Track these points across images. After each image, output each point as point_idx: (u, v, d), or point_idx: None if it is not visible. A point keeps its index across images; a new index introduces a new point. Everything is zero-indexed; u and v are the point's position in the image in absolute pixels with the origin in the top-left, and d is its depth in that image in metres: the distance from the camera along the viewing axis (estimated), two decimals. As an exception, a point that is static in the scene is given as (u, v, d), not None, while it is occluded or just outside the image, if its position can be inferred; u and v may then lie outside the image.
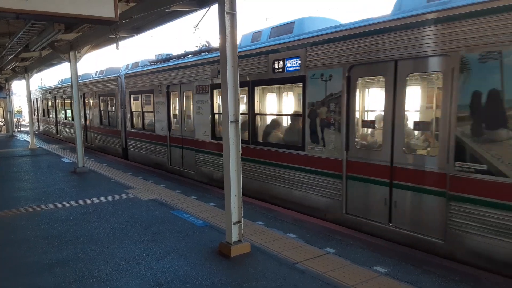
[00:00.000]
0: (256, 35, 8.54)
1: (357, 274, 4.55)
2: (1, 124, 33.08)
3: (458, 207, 4.93)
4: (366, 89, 7.35)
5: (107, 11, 4.56)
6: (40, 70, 20.37)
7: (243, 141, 7.82)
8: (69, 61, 11.46)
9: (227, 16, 4.88)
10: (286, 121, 8.94)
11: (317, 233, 6.01)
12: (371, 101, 7.31)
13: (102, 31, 9.15)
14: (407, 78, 5.53)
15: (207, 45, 11.15)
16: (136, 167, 12.50)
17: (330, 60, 6.45)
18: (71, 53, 11.30)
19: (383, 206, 5.85)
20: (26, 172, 11.82)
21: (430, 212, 5.30)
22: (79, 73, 14.50)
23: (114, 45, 9.49)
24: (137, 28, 9.22)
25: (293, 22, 7.68)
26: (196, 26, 11.18)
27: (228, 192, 5.12)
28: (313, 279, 4.45)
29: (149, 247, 5.45)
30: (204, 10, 6.80)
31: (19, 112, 38.49)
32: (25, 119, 36.31)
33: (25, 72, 18.67)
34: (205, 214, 6.96)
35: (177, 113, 11.28)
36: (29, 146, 18.37)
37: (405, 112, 5.61)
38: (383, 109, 5.83)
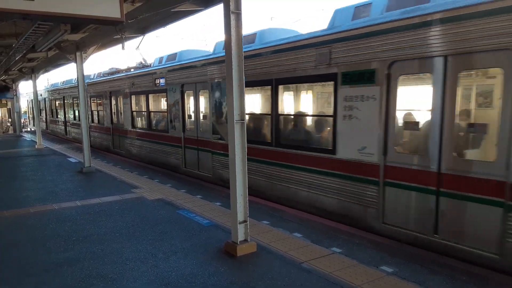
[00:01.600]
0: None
1: (364, 274, 4.53)
2: (9, 124, 33.35)
3: None
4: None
5: (113, 11, 4.57)
6: (47, 71, 20.49)
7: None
8: (76, 62, 11.52)
9: (233, 16, 4.88)
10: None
11: (323, 232, 5.99)
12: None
13: (108, 31, 9.17)
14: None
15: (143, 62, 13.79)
16: (142, 166, 12.54)
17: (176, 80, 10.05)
18: (77, 54, 11.36)
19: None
20: (33, 172, 11.90)
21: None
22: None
23: (120, 45, 9.56)
24: (143, 28, 9.24)
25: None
26: (137, 47, 11.34)
27: (234, 192, 5.13)
28: (319, 278, 4.43)
29: (156, 247, 5.47)
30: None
31: (24, 113, 38.79)
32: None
33: (32, 72, 18.79)
34: (210, 214, 6.97)
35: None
36: (36, 146, 18.51)
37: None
38: None
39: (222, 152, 9.41)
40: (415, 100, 6.08)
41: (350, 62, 6.16)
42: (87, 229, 6.27)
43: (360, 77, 6.03)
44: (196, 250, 5.35)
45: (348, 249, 5.32)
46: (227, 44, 4.95)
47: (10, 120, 33.44)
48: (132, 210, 7.30)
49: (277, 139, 7.82)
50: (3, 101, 32.27)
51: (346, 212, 6.41)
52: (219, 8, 5.16)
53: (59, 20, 6.50)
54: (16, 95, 26.48)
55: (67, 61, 13.69)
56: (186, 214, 6.97)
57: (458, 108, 5.02)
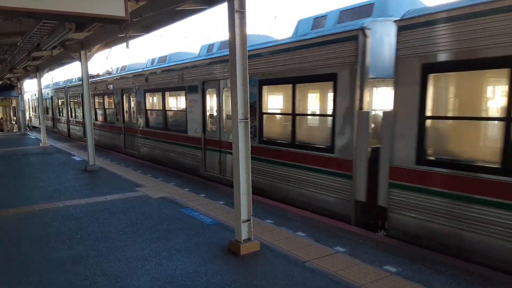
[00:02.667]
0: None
1: (367, 273, 4.52)
2: (13, 122, 33.52)
3: None
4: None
5: (118, 10, 4.58)
6: (51, 69, 20.57)
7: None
8: (80, 60, 11.56)
9: (237, 14, 4.88)
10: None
11: (327, 232, 5.99)
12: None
13: (112, 30, 9.21)
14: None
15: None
16: (146, 165, 12.56)
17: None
18: (82, 52, 11.40)
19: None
20: (37, 169, 11.96)
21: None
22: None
23: (124, 44, 9.57)
24: (147, 27, 9.25)
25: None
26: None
27: (238, 191, 5.13)
28: (322, 277, 4.43)
29: (159, 245, 5.48)
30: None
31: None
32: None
33: (36, 71, 18.89)
34: (214, 212, 6.98)
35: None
36: (40, 144, 18.60)
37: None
38: None
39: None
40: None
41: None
42: (91, 227, 6.29)
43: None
44: (200, 248, 5.36)
45: (352, 248, 5.31)
46: (231, 43, 4.95)
47: (15, 118, 33.62)
48: (136, 208, 7.33)
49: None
50: (8, 99, 32.47)
51: (192, 166, 10.69)
52: (223, 7, 5.15)
53: (64, 19, 6.51)
54: (21, 93, 26.59)
55: (72, 59, 13.73)
56: (189, 213, 6.98)
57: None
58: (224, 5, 5.05)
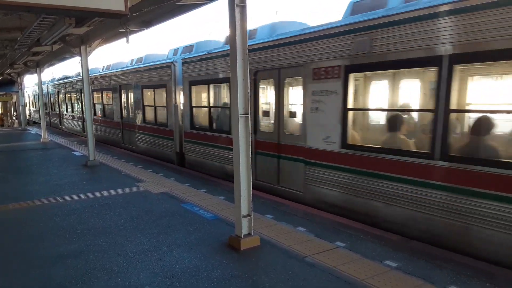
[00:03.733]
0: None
1: (368, 268, 4.52)
2: (14, 118, 33.54)
3: None
4: None
5: (117, 4, 4.55)
6: (51, 64, 20.54)
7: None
8: (80, 55, 11.53)
9: (237, 9, 4.85)
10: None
11: (327, 227, 5.98)
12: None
13: (112, 25, 9.17)
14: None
15: None
16: (146, 160, 12.57)
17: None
18: (82, 47, 11.37)
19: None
20: (38, 165, 11.97)
21: None
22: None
23: (124, 39, 9.53)
24: (147, 22, 9.22)
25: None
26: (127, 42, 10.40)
27: (238, 186, 5.12)
28: (323, 272, 4.43)
29: (160, 240, 5.49)
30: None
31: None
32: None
33: (37, 66, 18.85)
34: (214, 207, 6.98)
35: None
36: (41, 140, 18.61)
37: None
38: None
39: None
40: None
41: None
42: (92, 222, 6.30)
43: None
44: (200, 243, 5.36)
45: (352, 243, 5.31)
46: (232, 38, 4.92)
47: (15, 113, 33.63)
48: (136, 204, 7.33)
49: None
50: (8, 95, 32.47)
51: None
52: (224, 2, 5.12)
53: (64, 13, 6.48)
54: (21, 88, 26.57)
55: (72, 54, 13.69)
56: (190, 208, 6.98)
57: None
58: (225, 0, 5.02)
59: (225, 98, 10.25)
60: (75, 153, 14.43)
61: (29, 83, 33.90)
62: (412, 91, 6.54)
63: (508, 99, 5.13)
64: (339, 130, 6.56)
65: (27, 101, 34.78)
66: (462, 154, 5.13)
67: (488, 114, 4.99)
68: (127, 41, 9.50)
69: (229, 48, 5.05)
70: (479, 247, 4.87)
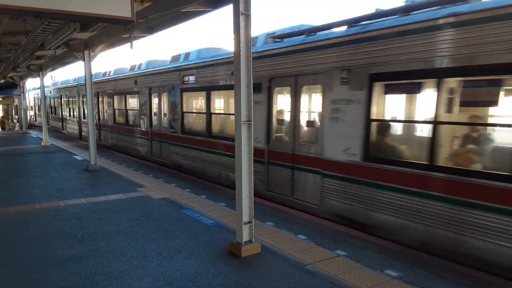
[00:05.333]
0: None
1: (369, 277, 4.52)
2: (15, 121, 33.57)
3: None
4: None
5: (124, 10, 4.61)
6: (54, 69, 20.64)
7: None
8: (84, 60, 11.59)
9: (242, 17, 4.90)
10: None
11: (328, 235, 5.99)
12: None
13: (117, 30, 9.23)
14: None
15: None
16: (147, 166, 12.58)
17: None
18: (86, 52, 11.42)
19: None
20: (39, 168, 11.97)
21: None
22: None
23: (128, 44, 9.58)
24: (151, 28, 9.27)
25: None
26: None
27: (240, 193, 5.13)
28: (324, 281, 4.43)
29: (160, 245, 5.49)
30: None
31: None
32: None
33: (39, 70, 18.94)
34: (215, 214, 6.98)
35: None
36: (42, 143, 18.63)
37: None
38: None
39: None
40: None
41: None
42: (92, 227, 6.30)
43: None
44: (201, 249, 5.36)
45: (353, 252, 5.31)
46: (236, 45, 4.97)
47: (16, 117, 33.67)
48: (137, 209, 7.33)
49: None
50: (10, 98, 32.54)
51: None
52: (228, 9, 5.17)
53: (71, 18, 6.54)
54: (23, 92, 26.65)
55: (75, 59, 13.78)
56: (190, 214, 6.99)
57: None
58: (229, 8, 5.07)
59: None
60: (76, 157, 14.45)
61: (30, 87, 34.04)
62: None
63: None
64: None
65: (32, 104, 34.90)
66: None
67: None
68: (131, 46, 9.54)
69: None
70: None
